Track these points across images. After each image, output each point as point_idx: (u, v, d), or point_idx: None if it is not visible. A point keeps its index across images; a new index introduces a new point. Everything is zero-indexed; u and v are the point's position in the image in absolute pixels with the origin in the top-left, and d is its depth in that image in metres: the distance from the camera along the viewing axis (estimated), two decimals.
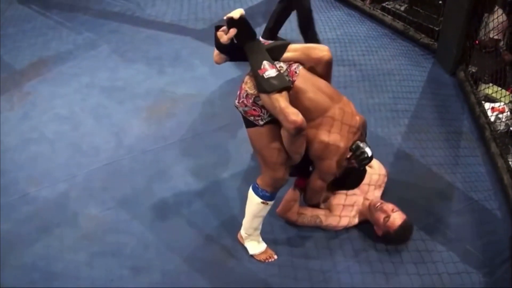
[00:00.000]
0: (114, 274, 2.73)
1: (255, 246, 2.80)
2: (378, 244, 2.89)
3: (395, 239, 2.83)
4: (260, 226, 2.75)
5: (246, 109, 2.40)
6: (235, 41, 2.34)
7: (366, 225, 2.95)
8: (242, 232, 2.80)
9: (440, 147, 3.59)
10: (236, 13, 2.25)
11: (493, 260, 2.81)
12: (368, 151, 2.52)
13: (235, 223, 2.88)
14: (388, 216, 2.78)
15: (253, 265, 2.78)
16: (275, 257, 2.81)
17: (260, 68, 2.26)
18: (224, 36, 2.31)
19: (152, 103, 4.02)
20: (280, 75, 2.28)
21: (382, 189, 3.07)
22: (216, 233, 2.95)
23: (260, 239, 2.81)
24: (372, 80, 4.27)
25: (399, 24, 4.96)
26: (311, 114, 2.38)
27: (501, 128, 3.67)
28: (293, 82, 2.36)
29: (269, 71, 2.25)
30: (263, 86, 2.23)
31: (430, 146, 3.57)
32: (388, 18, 5.11)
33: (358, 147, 2.51)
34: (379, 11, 5.26)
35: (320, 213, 2.91)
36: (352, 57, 4.59)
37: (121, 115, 3.89)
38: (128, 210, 3.10)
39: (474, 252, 2.86)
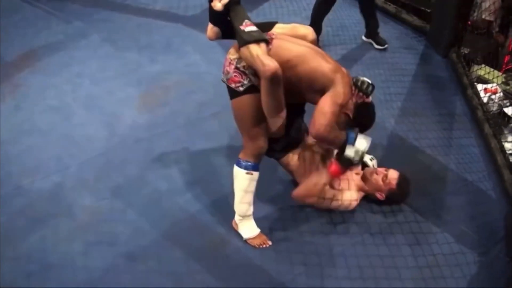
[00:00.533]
0: (110, 263, 2.73)
1: (249, 229, 2.82)
2: (373, 227, 2.90)
3: (399, 194, 2.94)
4: (252, 207, 2.76)
5: (228, 76, 2.50)
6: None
7: (360, 209, 2.96)
8: (236, 217, 2.81)
9: (434, 129, 3.59)
10: None
11: (487, 240, 2.83)
12: (367, 80, 2.68)
13: (230, 211, 2.88)
14: (385, 175, 2.89)
15: (249, 251, 2.78)
16: (269, 243, 2.82)
17: (241, 24, 2.37)
18: (218, 4, 2.42)
19: (144, 91, 4.00)
20: (259, 31, 2.39)
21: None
22: (211, 220, 2.95)
23: (254, 223, 2.82)
24: (364, 63, 4.26)
25: (390, 7, 4.94)
26: (293, 59, 2.46)
27: (494, 109, 3.68)
28: (271, 39, 2.47)
29: (250, 26, 2.38)
30: (243, 37, 2.34)
31: (424, 129, 3.58)
32: (380, 1, 5.09)
33: (357, 79, 2.67)
34: None
35: (335, 192, 2.85)
36: (344, 40, 4.58)
37: (113, 104, 3.87)
38: (123, 199, 3.09)
39: (469, 232, 2.87)
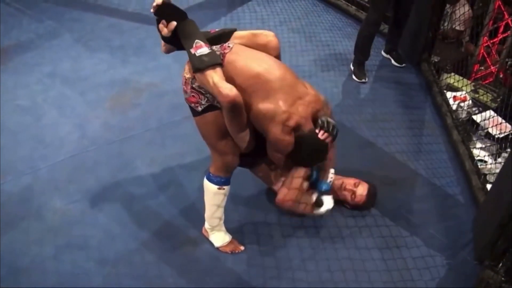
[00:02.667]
0: (81, 267, 2.70)
1: (220, 238, 2.81)
2: (344, 231, 2.94)
3: (365, 207, 3.02)
4: (223, 216, 2.75)
5: (186, 96, 2.43)
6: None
7: (331, 214, 2.99)
8: (206, 225, 2.80)
9: (403, 135, 3.66)
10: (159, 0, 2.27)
11: (455, 243, 2.89)
12: (332, 121, 2.44)
13: (202, 214, 2.88)
14: (353, 193, 2.93)
15: (221, 255, 2.78)
16: (242, 248, 2.82)
17: (192, 46, 2.26)
18: (165, 29, 2.32)
19: (116, 93, 3.97)
20: (212, 52, 2.27)
21: None
22: (182, 224, 2.94)
23: (224, 231, 2.81)
24: (336, 69, 4.31)
25: (362, 14, 5.00)
26: (245, 82, 2.31)
27: (463, 116, 3.76)
28: (224, 55, 2.34)
29: (201, 49, 2.25)
30: (195, 64, 2.23)
31: (394, 134, 3.63)
32: (352, 8, 5.17)
33: (323, 121, 2.41)
34: (344, 1, 5.30)
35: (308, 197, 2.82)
36: (316, 46, 4.62)
37: (84, 106, 3.83)
38: (94, 202, 3.06)
39: (437, 236, 2.93)
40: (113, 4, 5.26)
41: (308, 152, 2.49)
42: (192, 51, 2.25)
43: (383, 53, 4.57)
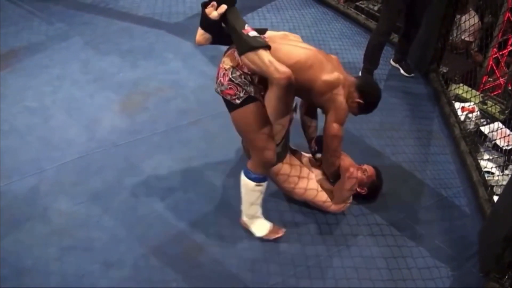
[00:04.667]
0: (85, 269, 2.69)
1: (261, 227, 2.83)
2: (349, 240, 2.92)
3: (379, 184, 3.08)
4: (260, 211, 2.78)
5: (222, 88, 2.44)
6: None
7: (337, 221, 2.99)
8: (244, 217, 2.82)
9: (411, 144, 3.65)
10: None
11: (461, 254, 2.88)
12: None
13: (206, 219, 2.90)
14: (365, 170, 3.01)
15: (225, 260, 2.77)
16: (283, 230, 2.85)
17: (244, 28, 2.29)
18: (214, 12, 2.32)
19: (125, 96, 3.98)
20: (260, 37, 2.32)
21: None
22: (188, 228, 2.93)
23: (263, 219, 2.83)
24: None
25: (372, 24, 5.01)
26: (295, 65, 2.42)
27: (471, 127, 3.75)
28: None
29: (252, 32, 2.30)
30: (250, 43, 2.25)
31: (401, 144, 3.63)
32: (361, 17, 5.18)
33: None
34: (353, 10, 5.33)
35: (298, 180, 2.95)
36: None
37: (93, 108, 3.84)
38: (100, 204, 3.06)
39: (443, 247, 2.92)
40: (124, 8, 5.29)
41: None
42: (245, 31, 2.28)
43: (392, 62, 4.57)
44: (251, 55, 2.27)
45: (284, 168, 2.87)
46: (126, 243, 2.84)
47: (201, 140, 3.55)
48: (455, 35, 4.56)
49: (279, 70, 2.23)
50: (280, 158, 2.79)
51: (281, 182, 2.93)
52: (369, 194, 3.07)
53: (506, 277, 2.57)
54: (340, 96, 2.59)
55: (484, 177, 3.26)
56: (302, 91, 2.58)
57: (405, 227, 3.03)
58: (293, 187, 2.91)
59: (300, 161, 3.01)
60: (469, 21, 4.58)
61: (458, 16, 4.47)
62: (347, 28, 5.17)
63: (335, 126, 2.64)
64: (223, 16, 2.33)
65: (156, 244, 2.84)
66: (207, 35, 2.46)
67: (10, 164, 3.30)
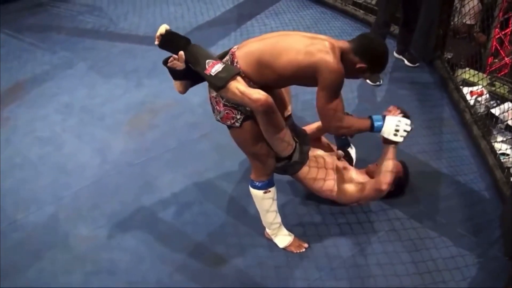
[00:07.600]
0: None
1: (283, 240, 2.84)
2: (371, 237, 2.91)
3: (406, 179, 3.04)
4: (279, 219, 2.78)
5: (221, 115, 2.42)
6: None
7: (357, 219, 2.97)
8: (267, 229, 2.84)
9: (423, 134, 3.62)
10: (162, 29, 2.33)
11: (485, 240, 2.85)
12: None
13: (225, 229, 2.90)
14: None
15: (249, 270, 2.77)
16: (306, 245, 2.85)
17: (205, 68, 2.25)
18: (177, 62, 2.35)
19: (133, 116, 4.00)
20: (226, 66, 2.27)
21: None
22: (207, 240, 2.94)
23: (285, 231, 2.84)
24: None
25: (371, 18, 5.01)
26: (262, 61, 2.34)
27: (481, 110, 3.72)
28: (233, 56, 2.38)
29: (215, 67, 2.24)
30: (215, 83, 2.23)
31: (414, 135, 3.56)
32: (360, 13, 5.18)
33: None
34: (351, 6, 5.32)
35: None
36: None
37: (103, 131, 3.86)
38: (119, 225, 3.07)
39: (466, 234, 2.89)
40: (123, 30, 5.34)
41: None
42: (207, 72, 2.24)
43: (395, 54, 4.55)
44: (223, 92, 2.27)
45: (311, 171, 2.83)
46: (148, 261, 2.85)
47: (213, 152, 3.56)
48: (456, 19, 4.53)
49: (252, 98, 2.20)
50: (301, 163, 2.76)
51: (310, 184, 2.88)
52: (395, 190, 2.98)
53: None
54: (326, 69, 2.29)
55: (500, 160, 3.23)
56: (291, 80, 2.44)
57: (426, 218, 3.00)
58: (321, 186, 2.86)
59: (326, 159, 2.93)
60: (468, 4, 4.54)
61: (457, 0, 4.44)
62: (347, 25, 5.17)
63: (329, 107, 2.38)
64: (186, 61, 2.34)
65: (178, 259, 2.84)
66: (184, 82, 2.48)
67: (27, 195, 3.33)
